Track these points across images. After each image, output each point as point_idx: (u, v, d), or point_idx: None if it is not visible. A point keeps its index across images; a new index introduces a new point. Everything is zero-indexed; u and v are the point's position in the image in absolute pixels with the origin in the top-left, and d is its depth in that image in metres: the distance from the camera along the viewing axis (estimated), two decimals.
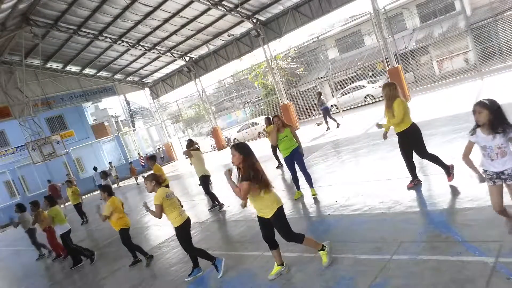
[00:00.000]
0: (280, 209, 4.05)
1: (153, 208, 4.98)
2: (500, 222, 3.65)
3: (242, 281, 4.52)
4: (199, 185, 12.49)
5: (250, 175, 3.89)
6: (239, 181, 3.99)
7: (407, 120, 5.25)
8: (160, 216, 4.94)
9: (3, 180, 23.80)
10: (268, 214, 4.04)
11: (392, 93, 5.24)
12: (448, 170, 5.24)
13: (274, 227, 4.14)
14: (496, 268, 3.12)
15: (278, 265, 4.28)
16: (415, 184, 5.53)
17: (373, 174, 6.96)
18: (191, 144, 9.01)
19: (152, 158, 9.89)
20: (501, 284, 2.94)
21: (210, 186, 8.68)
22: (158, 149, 28.87)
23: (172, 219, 4.96)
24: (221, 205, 8.32)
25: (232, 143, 24.60)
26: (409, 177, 5.64)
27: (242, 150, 4.01)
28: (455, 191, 4.99)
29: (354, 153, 9.41)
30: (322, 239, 4.63)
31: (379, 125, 5.50)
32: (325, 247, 4.11)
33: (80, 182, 22.56)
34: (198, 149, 9.07)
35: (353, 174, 7.59)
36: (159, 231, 8.42)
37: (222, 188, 9.90)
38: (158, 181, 5.04)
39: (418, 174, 5.81)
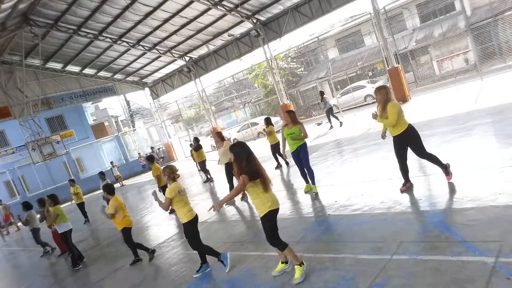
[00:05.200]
0: (272, 212, 4.02)
1: (162, 199, 5.05)
2: (500, 222, 3.65)
3: (243, 280, 4.52)
4: (204, 182, 12.69)
5: (244, 169, 3.94)
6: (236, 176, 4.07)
7: (402, 122, 5.27)
8: (167, 209, 5.04)
9: (3, 180, 23.83)
10: (260, 214, 4.09)
11: (387, 96, 5.29)
12: (446, 169, 5.28)
13: (262, 226, 4.15)
14: (496, 268, 3.12)
15: (282, 263, 4.30)
16: (407, 187, 5.57)
17: (374, 174, 6.97)
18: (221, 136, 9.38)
19: (149, 159, 10.38)
20: (501, 284, 2.94)
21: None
22: (152, 148, 28.72)
23: (181, 215, 5.03)
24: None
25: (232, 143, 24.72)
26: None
27: (233, 150, 4.08)
28: (455, 191, 4.98)
29: (355, 153, 9.41)
30: (322, 239, 4.63)
31: (374, 115, 5.52)
32: (303, 264, 4.06)
33: (80, 182, 22.54)
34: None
35: (353, 174, 7.58)
36: (159, 231, 8.43)
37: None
38: (172, 176, 5.09)
39: (418, 174, 5.80)
